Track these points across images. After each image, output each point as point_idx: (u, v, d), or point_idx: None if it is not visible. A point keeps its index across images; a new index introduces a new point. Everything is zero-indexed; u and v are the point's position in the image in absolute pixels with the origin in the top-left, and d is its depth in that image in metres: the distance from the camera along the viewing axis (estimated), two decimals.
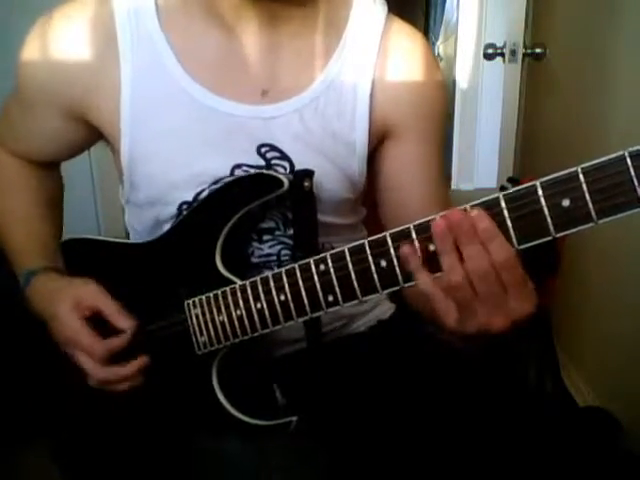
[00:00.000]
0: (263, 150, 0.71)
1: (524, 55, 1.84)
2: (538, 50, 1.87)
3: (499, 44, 1.86)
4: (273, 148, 0.71)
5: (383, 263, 0.56)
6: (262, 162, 0.71)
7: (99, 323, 0.70)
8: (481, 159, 4.03)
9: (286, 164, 0.72)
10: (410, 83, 0.74)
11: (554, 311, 1.75)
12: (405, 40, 0.74)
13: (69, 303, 0.70)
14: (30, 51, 0.73)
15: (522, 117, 1.99)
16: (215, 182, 0.71)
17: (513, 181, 1.66)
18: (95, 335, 0.69)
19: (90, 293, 0.71)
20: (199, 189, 0.72)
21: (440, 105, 0.77)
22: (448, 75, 3.90)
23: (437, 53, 4.40)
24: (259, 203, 0.68)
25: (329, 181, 0.73)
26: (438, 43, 4.29)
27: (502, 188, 1.60)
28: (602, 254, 1.60)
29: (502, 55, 1.86)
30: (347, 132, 0.73)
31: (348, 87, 0.72)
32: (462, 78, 3.77)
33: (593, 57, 1.68)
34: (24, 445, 1.20)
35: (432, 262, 0.53)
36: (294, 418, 0.68)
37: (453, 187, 4.22)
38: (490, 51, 1.87)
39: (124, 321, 0.70)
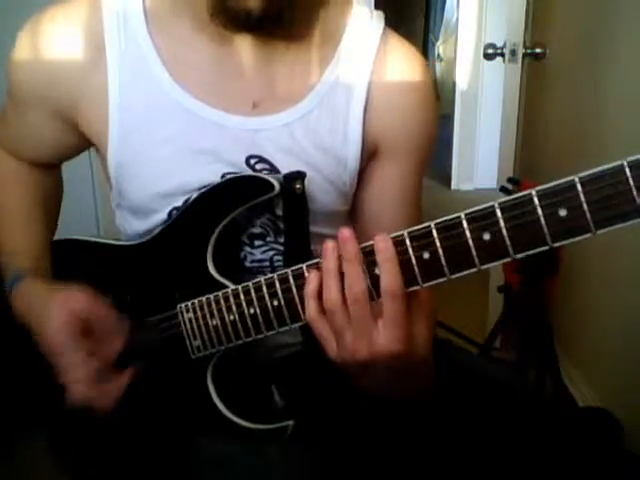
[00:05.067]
0: (252, 161, 0.70)
1: (524, 55, 1.84)
2: (538, 50, 1.87)
3: (499, 44, 1.86)
4: (262, 160, 0.70)
5: (377, 271, 0.55)
6: (251, 173, 0.70)
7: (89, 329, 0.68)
8: (481, 159, 4.04)
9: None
10: (404, 102, 0.73)
11: (554, 312, 1.75)
12: (401, 57, 0.73)
13: (58, 319, 0.67)
14: (18, 53, 0.72)
15: (522, 117, 1.99)
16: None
17: (513, 181, 1.65)
18: (84, 354, 0.67)
19: (79, 308, 0.68)
20: (188, 196, 0.71)
21: (430, 128, 0.76)
22: (448, 75, 3.90)
23: (437, 53, 4.41)
24: (249, 206, 0.67)
25: (320, 194, 0.72)
26: (438, 43, 4.29)
27: (502, 188, 1.61)
28: (602, 254, 1.60)
29: (502, 55, 1.85)
30: (339, 147, 0.72)
31: (341, 102, 0.71)
32: (462, 78, 3.77)
33: (593, 57, 1.68)
34: (22, 447, 1.20)
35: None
36: (290, 422, 0.68)
37: (453, 187, 4.24)
38: (490, 51, 1.87)
39: (116, 340, 0.68)
